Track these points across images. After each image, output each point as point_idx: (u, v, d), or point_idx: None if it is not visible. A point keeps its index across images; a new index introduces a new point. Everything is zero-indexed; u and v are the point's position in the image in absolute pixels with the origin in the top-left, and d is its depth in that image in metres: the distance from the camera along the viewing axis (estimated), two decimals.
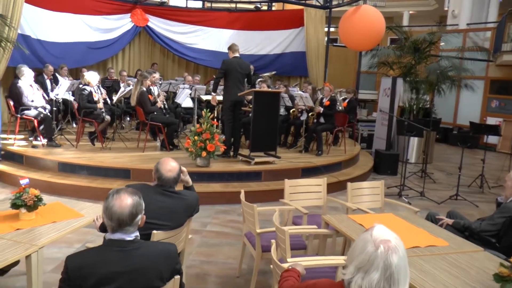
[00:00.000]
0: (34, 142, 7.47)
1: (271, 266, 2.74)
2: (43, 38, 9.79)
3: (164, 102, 8.16)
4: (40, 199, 3.27)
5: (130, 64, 12.33)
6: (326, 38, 11.85)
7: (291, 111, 9.00)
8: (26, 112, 7.32)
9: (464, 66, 11.23)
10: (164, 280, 2.17)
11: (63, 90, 8.05)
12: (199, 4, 13.29)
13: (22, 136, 7.88)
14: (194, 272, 4.21)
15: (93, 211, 3.45)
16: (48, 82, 8.78)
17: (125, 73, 10.29)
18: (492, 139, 10.51)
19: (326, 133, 9.00)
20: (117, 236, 2.09)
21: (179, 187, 3.15)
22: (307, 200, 4.49)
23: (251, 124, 7.09)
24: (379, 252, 1.56)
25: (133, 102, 7.84)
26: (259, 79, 9.93)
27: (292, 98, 8.98)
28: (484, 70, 13.12)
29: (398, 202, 4.59)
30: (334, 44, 13.89)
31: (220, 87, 7.63)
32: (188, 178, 3.33)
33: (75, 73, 10.58)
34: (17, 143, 7.44)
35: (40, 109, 7.42)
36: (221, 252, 4.74)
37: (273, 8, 13.87)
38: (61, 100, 8.44)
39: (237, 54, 7.30)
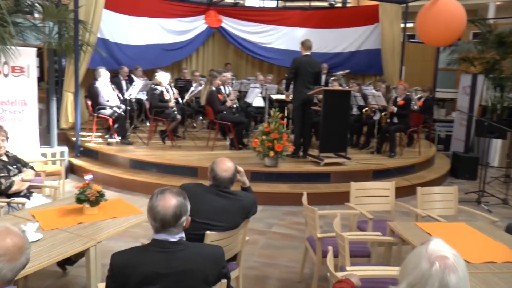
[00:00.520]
0: (109, 140, 7.80)
1: (328, 274, 2.57)
2: (120, 41, 10.20)
3: (235, 102, 8.18)
4: (102, 195, 3.34)
5: (204, 64, 12.53)
6: (402, 34, 11.33)
7: (363, 110, 8.67)
8: (101, 111, 7.67)
9: None
10: (210, 284, 2.09)
11: (136, 90, 8.34)
12: (273, 4, 13.21)
13: (99, 134, 8.26)
14: (254, 274, 4.12)
15: None
16: (123, 83, 9.14)
17: (197, 73, 10.47)
18: None
19: (399, 134, 8.57)
20: (161, 236, 2.04)
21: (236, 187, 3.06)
22: (374, 205, 4.25)
23: (321, 123, 6.88)
24: (433, 270, 1.36)
25: (202, 101, 7.94)
26: (332, 78, 9.69)
27: (365, 97, 8.65)
28: None
29: (474, 210, 4.15)
30: (411, 40, 13.24)
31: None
32: (245, 179, 3.21)
33: (151, 74, 10.93)
34: (94, 140, 7.81)
35: (115, 109, 7.74)
36: (284, 255, 4.61)
37: (348, 5, 13.51)
38: (135, 99, 8.74)
39: (308, 52, 7.12)
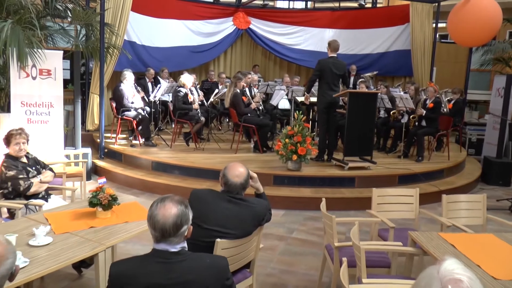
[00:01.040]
0: (133, 142, 7.86)
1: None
2: (147, 44, 10.28)
3: (260, 104, 8.10)
4: (115, 199, 3.31)
5: (231, 66, 12.53)
6: (433, 35, 11.01)
7: (391, 113, 8.43)
8: (126, 113, 7.72)
9: None
10: None
11: (160, 92, 8.37)
12: (302, 5, 13.07)
13: (124, 136, 8.32)
14: (271, 281, 4.02)
15: None
16: (149, 85, 9.20)
17: (224, 75, 10.45)
18: None
19: (428, 137, 8.29)
20: (161, 246, 1.97)
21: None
22: (397, 212, 4.08)
23: (346, 126, 6.73)
24: None
25: (226, 103, 7.89)
26: (360, 80, 9.49)
27: (392, 99, 8.41)
28: None
29: (505, 220, 3.91)
30: (443, 40, 12.85)
31: (315, 88, 7.37)
32: (258, 185, 3.10)
33: (178, 76, 10.98)
34: (118, 142, 7.87)
35: (139, 111, 7.78)
36: (304, 262, 4.49)
37: (378, 5, 13.22)
38: (160, 101, 8.77)
39: (334, 54, 6.98)
